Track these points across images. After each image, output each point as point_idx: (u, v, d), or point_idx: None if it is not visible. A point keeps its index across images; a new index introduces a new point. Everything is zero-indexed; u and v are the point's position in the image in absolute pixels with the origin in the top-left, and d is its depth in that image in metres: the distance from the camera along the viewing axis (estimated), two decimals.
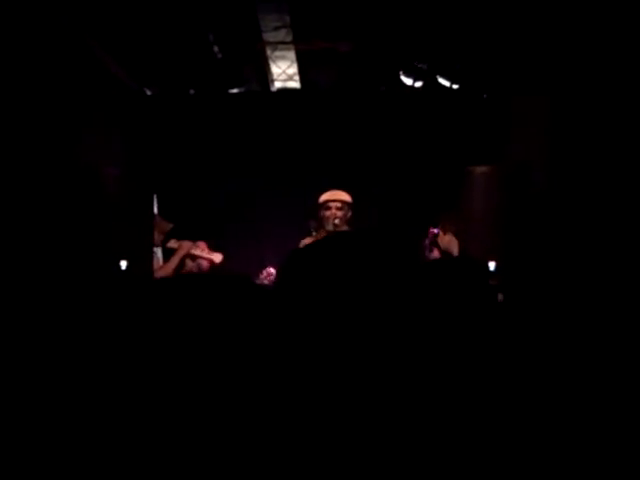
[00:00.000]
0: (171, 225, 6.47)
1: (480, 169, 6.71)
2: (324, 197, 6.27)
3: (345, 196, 6.30)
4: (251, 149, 7.83)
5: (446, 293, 2.12)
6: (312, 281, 1.36)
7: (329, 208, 6.21)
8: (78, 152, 6.38)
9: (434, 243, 6.57)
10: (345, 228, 6.19)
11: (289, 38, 7.19)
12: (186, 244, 6.36)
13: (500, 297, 5.55)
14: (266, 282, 6.60)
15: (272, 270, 6.60)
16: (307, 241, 6.24)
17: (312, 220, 6.40)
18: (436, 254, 6.48)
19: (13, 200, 5.58)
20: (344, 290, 1.31)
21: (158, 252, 6.56)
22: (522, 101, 6.90)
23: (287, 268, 1.44)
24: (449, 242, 6.43)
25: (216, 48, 7.07)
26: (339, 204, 6.22)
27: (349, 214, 6.29)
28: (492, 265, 6.49)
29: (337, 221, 6.15)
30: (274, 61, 7.53)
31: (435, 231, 6.50)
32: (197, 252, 6.41)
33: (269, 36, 7.15)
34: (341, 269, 1.35)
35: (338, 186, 6.53)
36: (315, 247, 1.47)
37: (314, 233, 6.31)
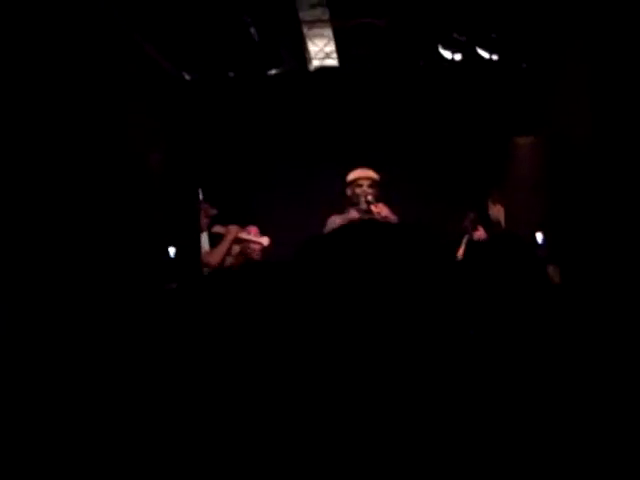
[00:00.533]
0: (215, 210, 6.50)
1: (524, 140, 6.65)
2: (354, 175, 6.30)
3: (374, 174, 6.34)
4: (291, 129, 7.83)
5: (494, 274, 2.11)
6: (328, 272, 1.33)
7: (360, 185, 6.26)
8: (123, 139, 6.42)
9: (475, 222, 6.55)
10: (380, 205, 6.21)
11: (326, 16, 7.16)
12: (233, 228, 6.40)
13: (551, 269, 5.52)
14: None
15: None
16: (335, 218, 6.27)
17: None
18: (480, 233, 6.47)
19: (60, 187, 5.63)
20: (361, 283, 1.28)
21: (204, 237, 6.60)
22: (563, 69, 6.82)
23: (301, 256, 1.41)
24: (499, 212, 6.44)
25: (253, 30, 7.05)
26: (370, 181, 6.27)
27: (377, 192, 6.32)
28: (540, 237, 6.46)
29: (370, 197, 6.19)
30: (311, 39, 7.50)
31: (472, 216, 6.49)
32: (244, 236, 6.46)
33: (305, 15, 7.13)
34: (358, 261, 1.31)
35: (382, 163, 6.54)
36: (334, 236, 1.43)
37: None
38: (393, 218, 6.15)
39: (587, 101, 6.42)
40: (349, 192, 6.31)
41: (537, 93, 7.12)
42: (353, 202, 6.27)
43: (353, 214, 6.24)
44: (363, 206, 6.19)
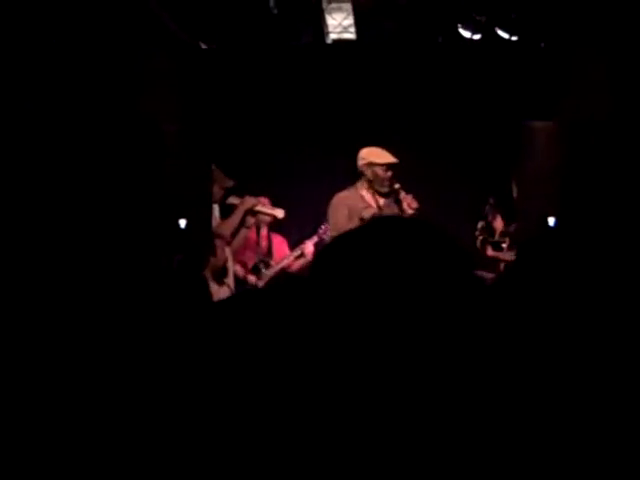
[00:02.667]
0: (232, 181, 6.45)
1: (539, 124, 6.65)
2: (387, 159, 6.14)
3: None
4: (307, 102, 7.79)
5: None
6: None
7: (388, 170, 6.14)
8: (137, 109, 6.39)
9: (494, 207, 6.54)
10: (409, 198, 6.12)
11: None
12: (248, 200, 6.36)
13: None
14: (324, 237, 6.64)
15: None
16: (343, 194, 6.23)
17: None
18: (498, 223, 6.44)
19: (73, 156, 5.62)
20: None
21: (216, 209, 6.57)
22: (582, 53, 6.78)
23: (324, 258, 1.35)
24: None
25: (272, 2, 7.01)
26: (393, 168, 6.19)
27: None
28: (551, 221, 6.48)
29: (398, 185, 6.12)
30: (330, 13, 7.46)
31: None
32: (259, 207, 6.42)
33: None
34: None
35: (395, 140, 6.51)
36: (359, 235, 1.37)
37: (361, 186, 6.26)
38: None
39: (606, 85, 6.39)
40: (369, 172, 6.17)
41: (555, 76, 7.08)
42: (372, 183, 6.16)
43: (364, 194, 6.18)
44: (385, 190, 6.13)
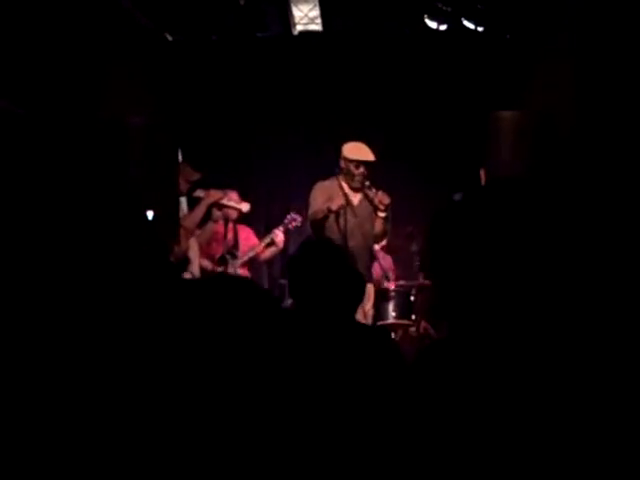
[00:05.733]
0: (198, 174, 6.43)
1: (506, 114, 6.65)
2: (360, 155, 6.21)
3: (373, 157, 6.28)
4: (273, 93, 7.78)
5: None
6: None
7: (359, 167, 6.22)
8: (102, 101, 6.34)
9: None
10: (379, 194, 6.22)
11: None
12: (214, 193, 6.37)
13: None
14: (290, 227, 6.67)
15: (296, 216, 6.64)
16: (324, 182, 6.28)
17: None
18: None
19: (37, 150, 5.57)
20: None
21: (183, 201, 6.54)
22: (547, 44, 6.80)
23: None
24: None
25: None
26: (368, 165, 6.25)
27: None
28: None
29: (368, 182, 6.22)
30: (296, 5, 7.44)
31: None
32: (224, 201, 6.43)
33: None
34: None
35: (362, 132, 6.53)
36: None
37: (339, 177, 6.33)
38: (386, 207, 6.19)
39: (571, 76, 6.42)
40: (344, 165, 6.26)
41: (521, 67, 7.11)
42: (347, 177, 6.27)
43: (341, 185, 6.27)
44: (356, 185, 6.23)
